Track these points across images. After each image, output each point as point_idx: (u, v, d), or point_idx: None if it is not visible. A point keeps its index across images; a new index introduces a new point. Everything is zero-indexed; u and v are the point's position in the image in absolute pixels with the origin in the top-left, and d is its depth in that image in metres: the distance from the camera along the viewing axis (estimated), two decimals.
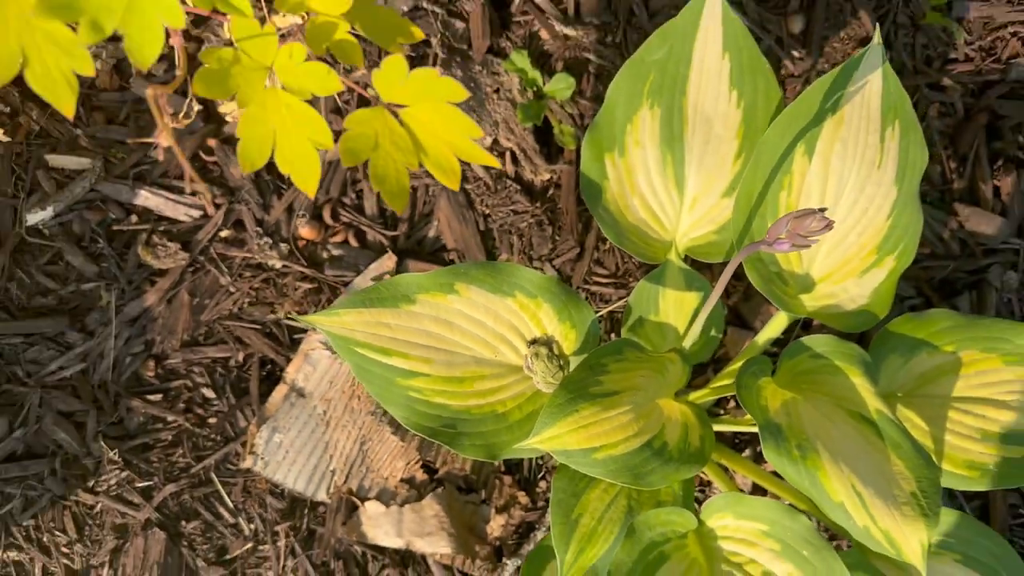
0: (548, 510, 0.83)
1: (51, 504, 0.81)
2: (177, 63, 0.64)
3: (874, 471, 0.64)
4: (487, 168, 0.94)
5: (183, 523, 0.82)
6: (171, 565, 0.81)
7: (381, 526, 0.82)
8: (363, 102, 0.74)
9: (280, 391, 0.84)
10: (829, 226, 0.54)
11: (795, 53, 1.00)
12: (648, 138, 0.77)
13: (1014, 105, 1.02)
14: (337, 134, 0.53)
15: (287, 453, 0.83)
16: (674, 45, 0.76)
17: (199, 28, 0.92)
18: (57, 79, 0.37)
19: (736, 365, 0.79)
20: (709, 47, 0.75)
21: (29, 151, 0.88)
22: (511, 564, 0.83)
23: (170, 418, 0.84)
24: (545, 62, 0.98)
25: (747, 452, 0.90)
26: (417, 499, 0.83)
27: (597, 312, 0.88)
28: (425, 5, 0.97)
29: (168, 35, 0.44)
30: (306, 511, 0.84)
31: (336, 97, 0.92)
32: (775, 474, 0.79)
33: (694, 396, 0.81)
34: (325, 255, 0.90)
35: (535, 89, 0.96)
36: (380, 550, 0.83)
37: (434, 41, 0.97)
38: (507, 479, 0.87)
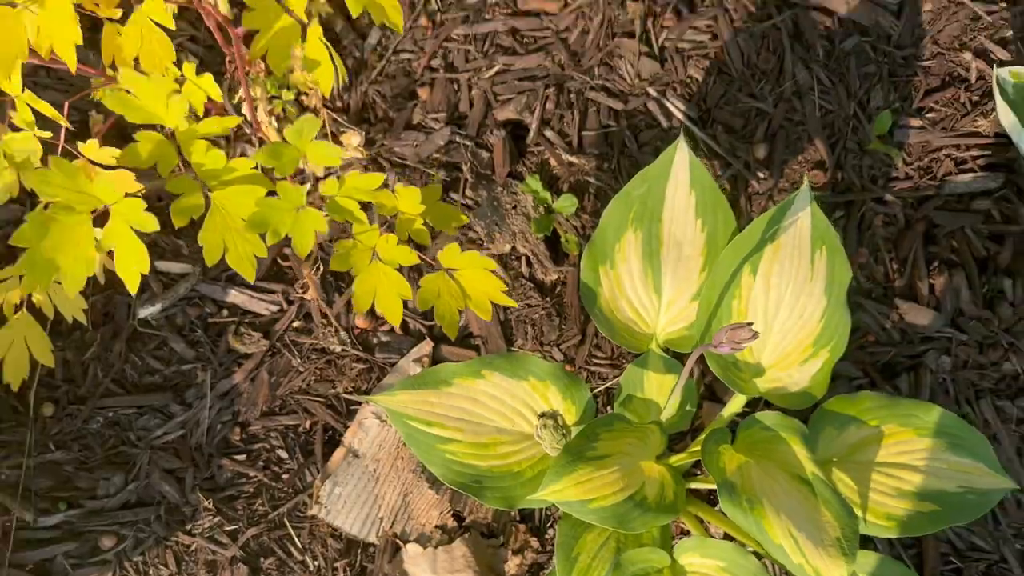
0: (555, 552, 1.02)
1: (156, 543, 1.01)
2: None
3: (808, 520, 0.83)
4: (507, 269, 1.16)
5: (262, 559, 1.01)
6: None
7: (419, 564, 1.01)
8: (429, 266, 0.96)
9: (339, 452, 1.05)
10: (755, 336, 0.74)
11: (760, 175, 1.21)
12: (633, 255, 0.98)
13: (948, 216, 1.22)
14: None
15: (345, 503, 1.03)
16: (652, 184, 0.97)
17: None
18: (245, 258, 0.58)
19: (705, 435, 0.99)
20: (679, 186, 0.96)
21: None
22: None
23: (252, 474, 1.04)
24: (554, 184, 1.20)
25: (719, 506, 1.09)
26: (448, 542, 1.02)
27: (595, 389, 1.08)
28: (458, 139, 1.20)
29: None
30: (359, 551, 1.03)
31: None
32: None
33: (674, 459, 1.00)
34: (375, 341, 1.11)
35: (546, 206, 1.18)
36: None
37: (465, 167, 1.19)
38: (522, 527, 1.05)
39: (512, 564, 1.03)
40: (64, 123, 0.79)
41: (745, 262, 0.91)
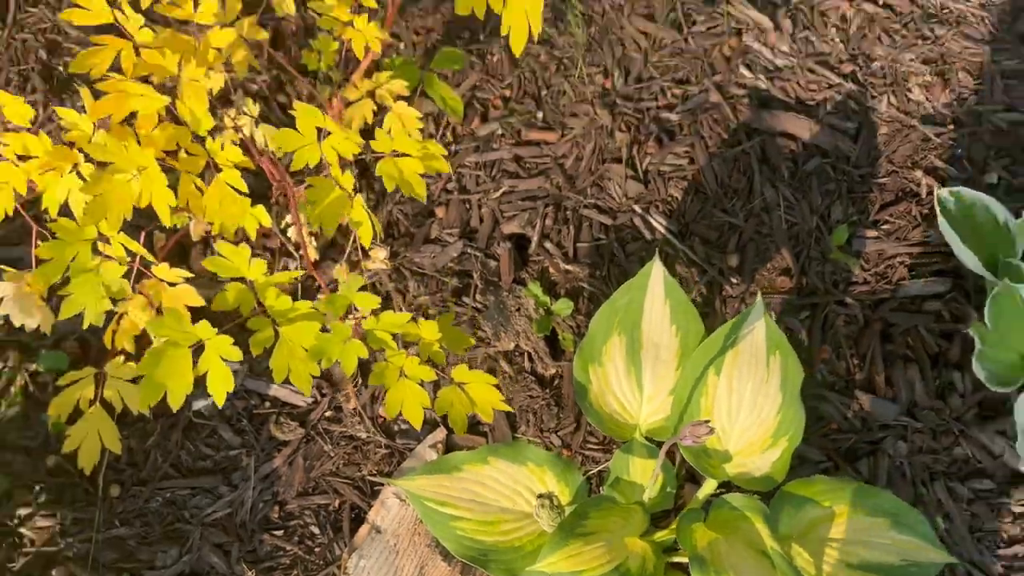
0: None
1: None
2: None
3: None
4: (511, 364, 1.32)
5: None
6: None
7: None
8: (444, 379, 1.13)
9: (364, 529, 1.20)
10: (711, 432, 0.90)
11: (733, 280, 1.39)
12: (618, 355, 1.15)
13: (903, 316, 1.38)
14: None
15: (368, 574, 1.17)
16: (633, 295, 1.14)
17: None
18: (303, 378, 0.75)
19: (681, 514, 1.13)
20: (656, 298, 1.14)
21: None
22: None
23: (288, 547, 1.19)
24: (553, 289, 1.38)
25: None
26: None
27: (589, 472, 1.23)
28: (469, 251, 1.38)
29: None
30: None
31: None
32: None
33: (657, 536, 1.15)
34: (396, 428, 1.27)
35: (545, 308, 1.35)
36: None
37: (475, 275, 1.37)
38: None
39: None
40: (147, 256, 0.98)
41: (711, 364, 1.07)
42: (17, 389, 1.23)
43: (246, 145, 1.07)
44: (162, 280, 1.02)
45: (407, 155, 0.84)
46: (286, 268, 1.32)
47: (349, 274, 0.84)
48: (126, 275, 0.98)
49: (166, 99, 0.87)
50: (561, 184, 1.44)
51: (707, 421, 0.90)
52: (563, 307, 1.34)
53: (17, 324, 1.02)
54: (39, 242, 0.99)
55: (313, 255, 1.15)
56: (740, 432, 1.08)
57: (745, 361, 1.06)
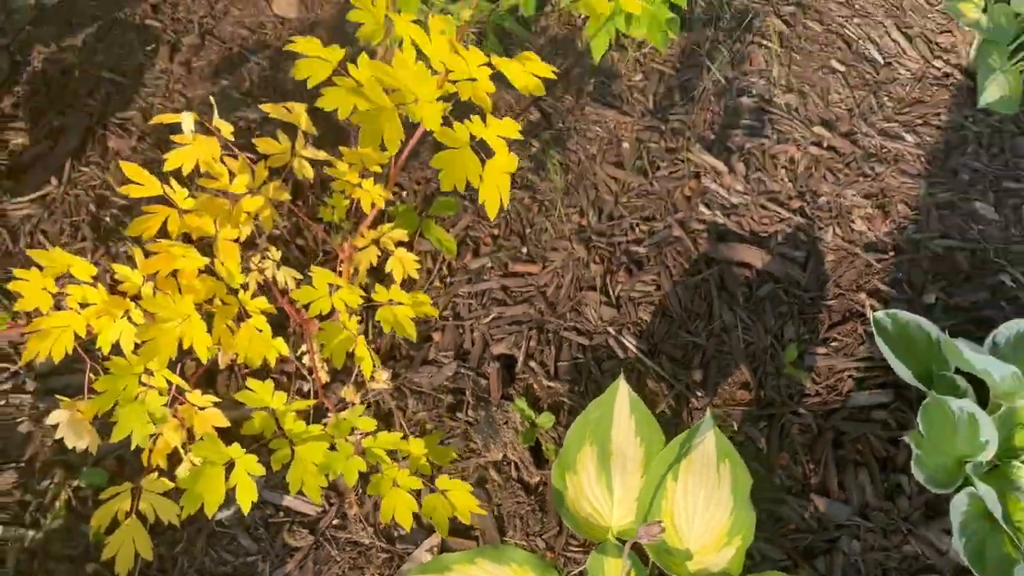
0: None
1: None
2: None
3: None
4: (500, 472, 1.48)
5: None
6: None
7: None
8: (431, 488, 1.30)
9: None
10: (663, 531, 1.04)
11: (698, 393, 1.55)
12: (590, 464, 1.30)
13: (852, 424, 1.53)
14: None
15: None
16: (603, 411, 1.31)
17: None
18: (314, 488, 0.92)
19: None
20: (622, 412, 1.30)
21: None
22: None
23: None
24: (537, 403, 1.54)
25: None
26: None
27: (571, 573, 1.36)
28: (462, 371, 1.56)
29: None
30: None
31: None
32: None
33: None
34: (396, 534, 1.41)
35: (530, 422, 1.51)
36: None
37: (468, 392, 1.54)
38: None
39: None
40: (183, 385, 1.16)
41: (669, 471, 1.22)
42: (61, 504, 1.39)
43: (269, 286, 1.27)
44: (194, 405, 1.20)
45: (400, 303, 1.03)
46: (300, 390, 1.50)
47: (354, 397, 1.01)
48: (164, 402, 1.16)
49: (205, 260, 1.07)
50: (543, 310, 1.63)
51: (660, 522, 1.05)
52: (546, 420, 1.50)
53: (70, 446, 1.19)
54: (91, 375, 1.17)
55: (324, 378, 1.33)
56: (698, 532, 1.22)
57: (697, 468, 1.22)
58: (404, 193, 1.75)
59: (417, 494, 1.06)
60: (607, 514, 1.30)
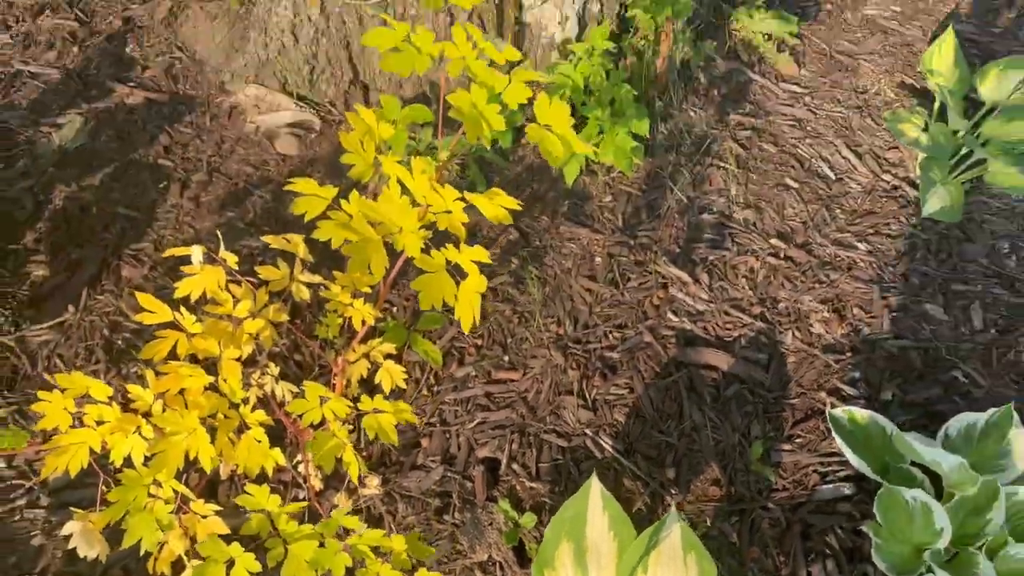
0: None
1: None
2: None
3: None
4: (485, 572, 1.55)
5: None
6: None
7: None
8: None
9: None
10: None
11: (672, 491, 1.64)
12: (567, 558, 1.39)
13: (818, 517, 1.62)
14: None
15: None
16: (577, 509, 1.40)
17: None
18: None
19: None
20: (596, 510, 1.39)
21: None
22: None
23: None
24: (519, 504, 1.63)
25: None
26: None
27: None
28: (449, 474, 1.66)
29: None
30: None
31: None
32: None
33: None
34: None
35: (514, 522, 1.60)
36: None
37: (454, 495, 1.63)
38: None
39: None
40: (188, 494, 1.26)
41: (639, 563, 1.31)
42: None
43: (268, 399, 1.39)
44: (197, 513, 1.30)
45: (383, 411, 1.15)
46: (296, 496, 1.60)
47: (346, 503, 1.12)
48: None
49: (210, 378, 1.20)
50: (525, 414, 1.74)
51: None
52: (528, 520, 1.59)
53: (82, 555, 1.28)
54: (104, 488, 1.28)
55: (318, 485, 1.43)
56: None
57: (665, 560, 1.31)
58: (395, 309, 1.89)
59: None
60: None
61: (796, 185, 2.23)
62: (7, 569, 1.52)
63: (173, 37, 2.54)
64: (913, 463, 1.59)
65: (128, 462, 1.28)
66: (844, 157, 2.34)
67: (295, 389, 1.46)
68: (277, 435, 1.62)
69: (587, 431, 1.72)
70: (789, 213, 2.16)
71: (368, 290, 1.45)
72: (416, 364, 1.80)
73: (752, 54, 2.60)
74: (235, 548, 1.05)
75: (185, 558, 1.31)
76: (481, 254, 1.20)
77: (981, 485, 1.50)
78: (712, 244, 2.06)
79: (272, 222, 2.06)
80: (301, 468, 1.49)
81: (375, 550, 1.11)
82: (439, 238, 1.22)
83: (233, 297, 1.34)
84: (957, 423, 1.65)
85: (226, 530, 1.27)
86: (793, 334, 1.89)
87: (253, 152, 2.23)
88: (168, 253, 1.30)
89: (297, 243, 1.41)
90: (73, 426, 1.27)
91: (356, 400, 1.29)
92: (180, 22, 2.58)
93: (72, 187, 2.10)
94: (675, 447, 1.70)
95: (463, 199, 1.26)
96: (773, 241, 2.08)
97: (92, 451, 1.28)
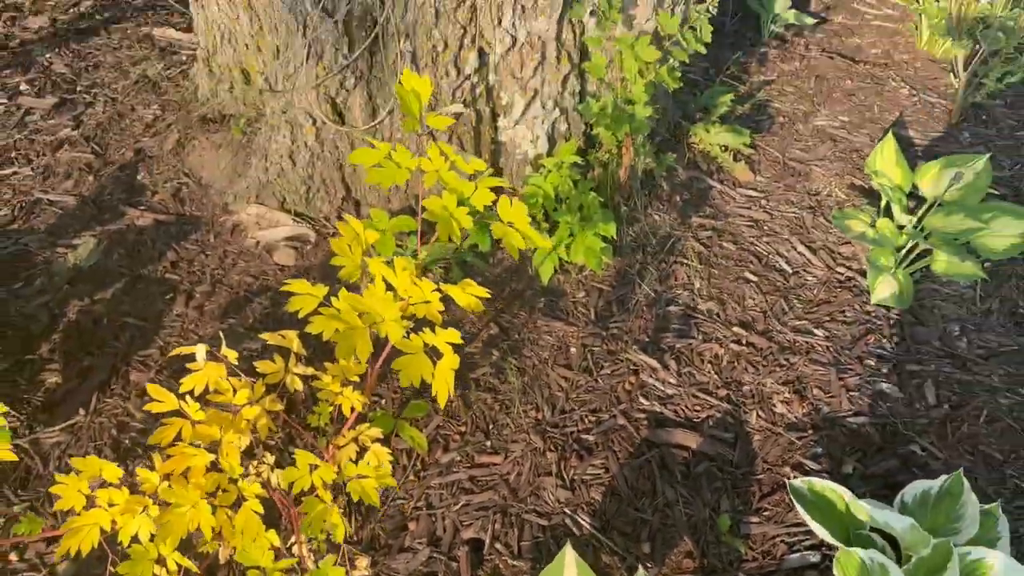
0: None
1: None
2: None
3: None
4: None
5: None
6: None
7: None
8: None
9: None
10: None
11: (648, 564, 1.73)
12: None
13: None
14: None
15: None
16: None
17: None
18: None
19: None
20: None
21: None
22: None
23: None
24: None
25: None
26: None
27: None
28: (435, 555, 1.75)
29: None
30: None
31: None
32: None
33: None
34: None
35: None
36: None
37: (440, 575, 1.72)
38: None
39: None
40: (192, 568, 1.37)
41: None
42: None
43: (266, 487, 1.50)
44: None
45: (366, 476, 1.27)
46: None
47: (329, 556, 1.22)
48: None
49: (212, 456, 1.33)
50: (507, 495, 1.84)
51: None
52: None
53: None
54: (112, 568, 1.38)
55: (311, 566, 1.53)
56: None
57: None
58: (383, 401, 2.02)
59: None
60: None
61: (755, 279, 2.41)
62: None
63: (181, 165, 2.78)
64: (872, 529, 1.69)
65: (135, 541, 1.39)
66: (800, 252, 2.53)
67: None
68: (273, 521, 1.72)
69: (566, 510, 1.82)
70: (750, 304, 2.33)
71: (356, 379, 1.59)
72: (404, 451, 1.92)
73: (710, 163, 2.84)
74: None
75: None
76: (453, 336, 1.36)
77: (935, 546, 1.60)
78: (679, 333, 2.22)
79: (271, 325, 2.22)
80: (295, 550, 1.58)
81: None
82: (420, 325, 1.38)
83: (232, 388, 1.48)
84: (912, 490, 1.75)
85: None
86: (757, 414, 2.02)
87: (253, 264, 2.41)
88: (174, 353, 1.46)
89: (291, 338, 1.57)
90: (86, 508, 1.38)
91: (346, 484, 1.40)
92: (187, 151, 2.83)
93: (85, 301, 2.27)
94: (650, 522, 1.79)
95: (439, 289, 1.42)
96: (736, 329, 2.23)
97: (102, 531, 1.39)
